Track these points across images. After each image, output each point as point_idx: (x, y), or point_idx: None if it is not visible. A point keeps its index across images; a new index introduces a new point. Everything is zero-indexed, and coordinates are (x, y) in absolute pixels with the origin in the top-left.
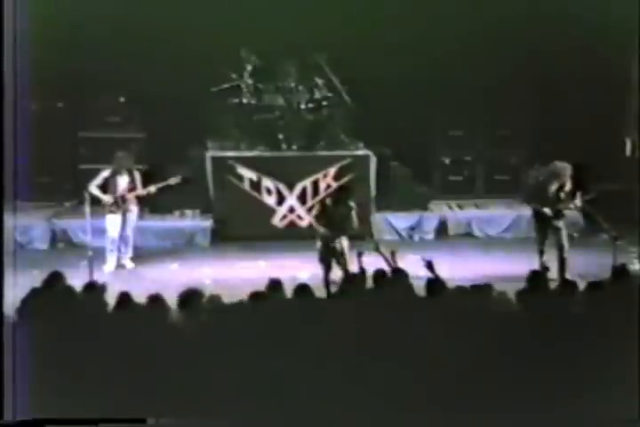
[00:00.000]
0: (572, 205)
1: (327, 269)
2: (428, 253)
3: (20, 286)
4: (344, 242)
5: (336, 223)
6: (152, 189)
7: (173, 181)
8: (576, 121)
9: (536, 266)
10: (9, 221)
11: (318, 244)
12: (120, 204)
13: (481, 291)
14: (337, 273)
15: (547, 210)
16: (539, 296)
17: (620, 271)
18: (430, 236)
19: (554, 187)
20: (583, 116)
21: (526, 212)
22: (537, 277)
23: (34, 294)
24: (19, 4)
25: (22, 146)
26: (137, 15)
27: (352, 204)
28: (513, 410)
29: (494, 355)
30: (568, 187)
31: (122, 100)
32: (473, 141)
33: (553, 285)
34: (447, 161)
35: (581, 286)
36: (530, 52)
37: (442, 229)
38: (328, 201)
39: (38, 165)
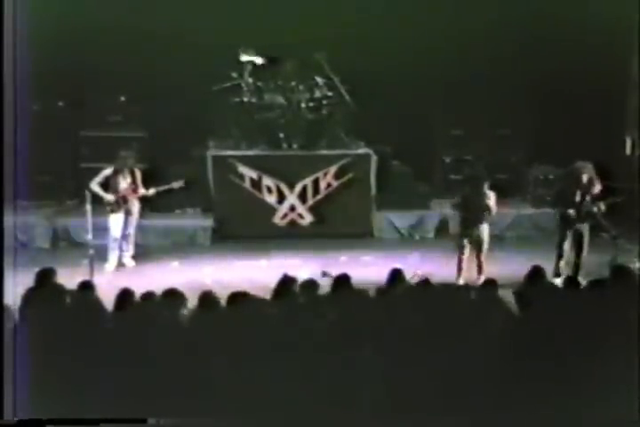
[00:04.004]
0: (595, 209)
1: (462, 254)
2: (428, 251)
3: (21, 285)
4: (484, 229)
5: (474, 211)
6: (152, 191)
7: (176, 184)
8: (576, 120)
9: (537, 263)
10: (10, 220)
11: (458, 231)
12: (121, 203)
13: (481, 289)
14: None
15: (572, 211)
16: (538, 295)
17: (620, 270)
18: (431, 234)
19: (576, 189)
20: (583, 115)
21: (527, 211)
22: (537, 274)
23: (33, 292)
24: (19, 3)
25: (23, 145)
26: (138, 14)
27: (488, 191)
28: (513, 410)
29: (494, 354)
30: (597, 188)
31: (122, 99)
32: (473, 140)
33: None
34: (448, 160)
35: (581, 284)
36: (530, 51)
37: (442, 228)
38: (467, 189)
39: (39, 164)
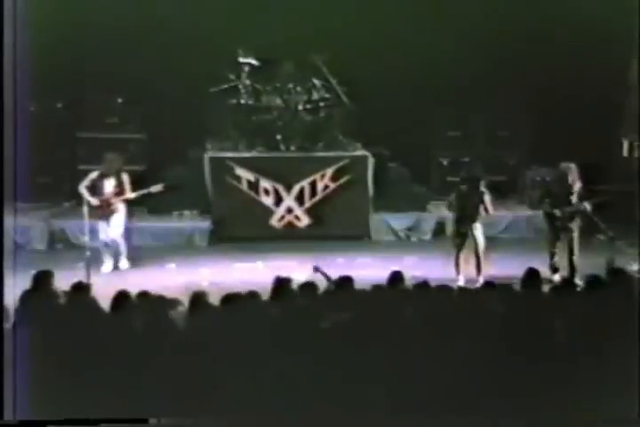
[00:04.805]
0: (581, 208)
1: (458, 251)
2: (425, 253)
3: (17, 287)
4: (477, 228)
5: (468, 210)
6: (133, 195)
7: (155, 189)
8: (574, 122)
9: (534, 265)
10: (8, 221)
11: (452, 229)
12: (105, 208)
13: (478, 291)
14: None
15: (557, 211)
16: (536, 296)
17: (618, 272)
18: (428, 236)
19: (562, 189)
20: (581, 117)
21: (523, 212)
22: (532, 276)
23: (31, 294)
24: (19, 4)
25: (21, 147)
26: (136, 16)
27: (484, 189)
28: (513, 410)
29: (493, 355)
30: (577, 187)
31: (120, 100)
32: (471, 142)
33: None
34: (445, 162)
35: (578, 286)
36: (528, 53)
37: (439, 230)
38: (463, 188)
39: (37, 166)
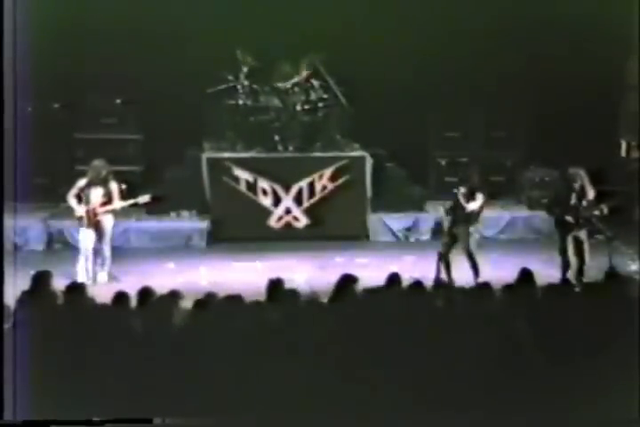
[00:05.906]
0: (597, 212)
1: (445, 251)
2: (423, 254)
3: (16, 287)
4: (463, 229)
5: (456, 211)
6: (119, 205)
7: (142, 200)
8: (572, 122)
9: (533, 265)
10: (7, 222)
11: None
12: (91, 217)
13: (477, 292)
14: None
15: (569, 218)
16: (534, 296)
17: (616, 272)
18: (426, 237)
19: (569, 195)
20: (579, 118)
21: (521, 213)
22: (526, 277)
23: (30, 295)
24: (18, 4)
25: (18, 147)
26: (134, 17)
27: (463, 190)
28: (513, 410)
29: (493, 356)
30: (591, 194)
31: (118, 101)
32: (468, 143)
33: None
34: (443, 162)
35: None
36: (525, 54)
37: (437, 230)
38: (455, 189)
39: (34, 167)
